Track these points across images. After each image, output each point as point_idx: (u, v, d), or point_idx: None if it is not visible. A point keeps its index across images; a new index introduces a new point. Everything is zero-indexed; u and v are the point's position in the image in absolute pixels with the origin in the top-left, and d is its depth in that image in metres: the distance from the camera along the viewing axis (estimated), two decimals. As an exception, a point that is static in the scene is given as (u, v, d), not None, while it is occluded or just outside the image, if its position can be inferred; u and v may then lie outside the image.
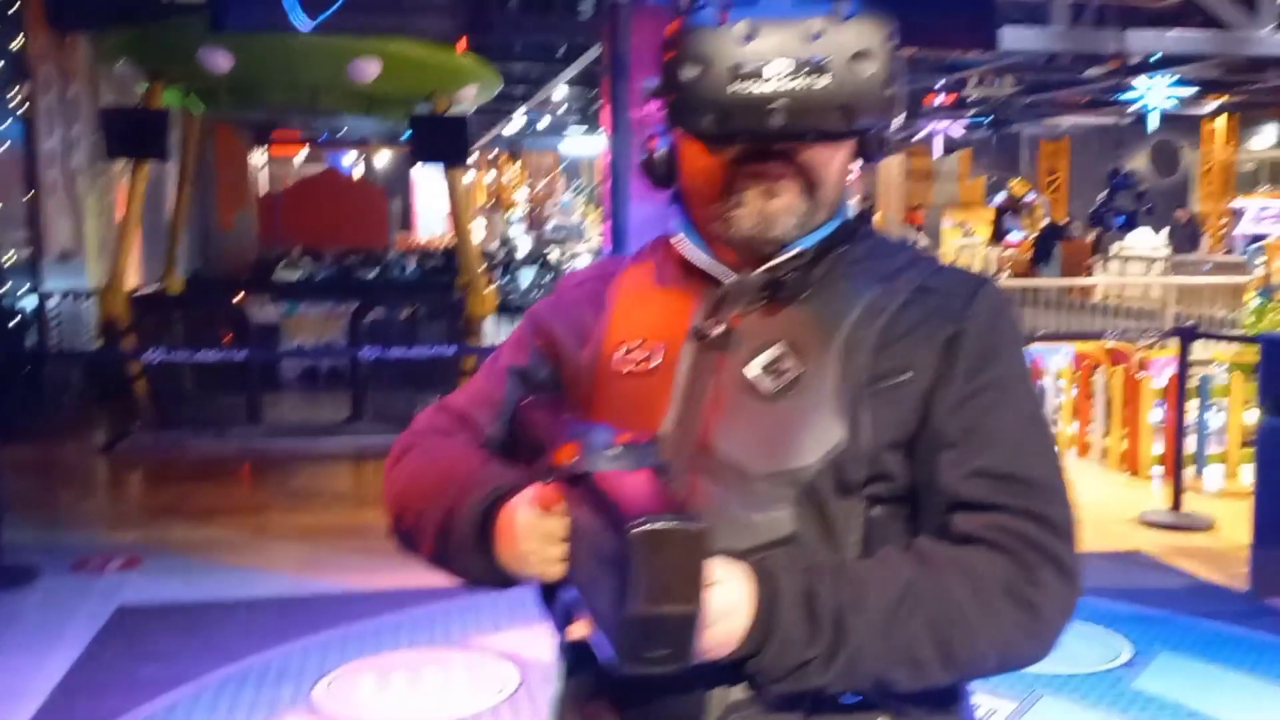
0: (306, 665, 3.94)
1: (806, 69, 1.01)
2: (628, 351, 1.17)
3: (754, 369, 1.11)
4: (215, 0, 5.55)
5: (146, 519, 6.03)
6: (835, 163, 1.12)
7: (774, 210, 1.10)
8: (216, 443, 7.62)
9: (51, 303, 8.40)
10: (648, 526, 0.86)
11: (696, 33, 1.02)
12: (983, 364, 1.10)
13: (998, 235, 20.28)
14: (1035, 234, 18.39)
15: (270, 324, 9.26)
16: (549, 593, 1.11)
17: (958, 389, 1.09)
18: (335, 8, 4.63)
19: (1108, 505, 6.15)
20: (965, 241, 20.75)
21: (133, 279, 9.19)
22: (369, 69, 7.68)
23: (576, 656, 1.15)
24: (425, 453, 1.23)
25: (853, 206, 1.20)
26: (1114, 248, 17.74)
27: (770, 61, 1.01)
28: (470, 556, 1.11)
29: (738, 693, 1.05)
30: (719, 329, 1.13)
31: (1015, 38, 8.11)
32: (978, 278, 1.18)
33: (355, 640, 4.16)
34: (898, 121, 1.10)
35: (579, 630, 0.96)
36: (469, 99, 8.93)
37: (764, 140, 1.06)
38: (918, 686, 1.05)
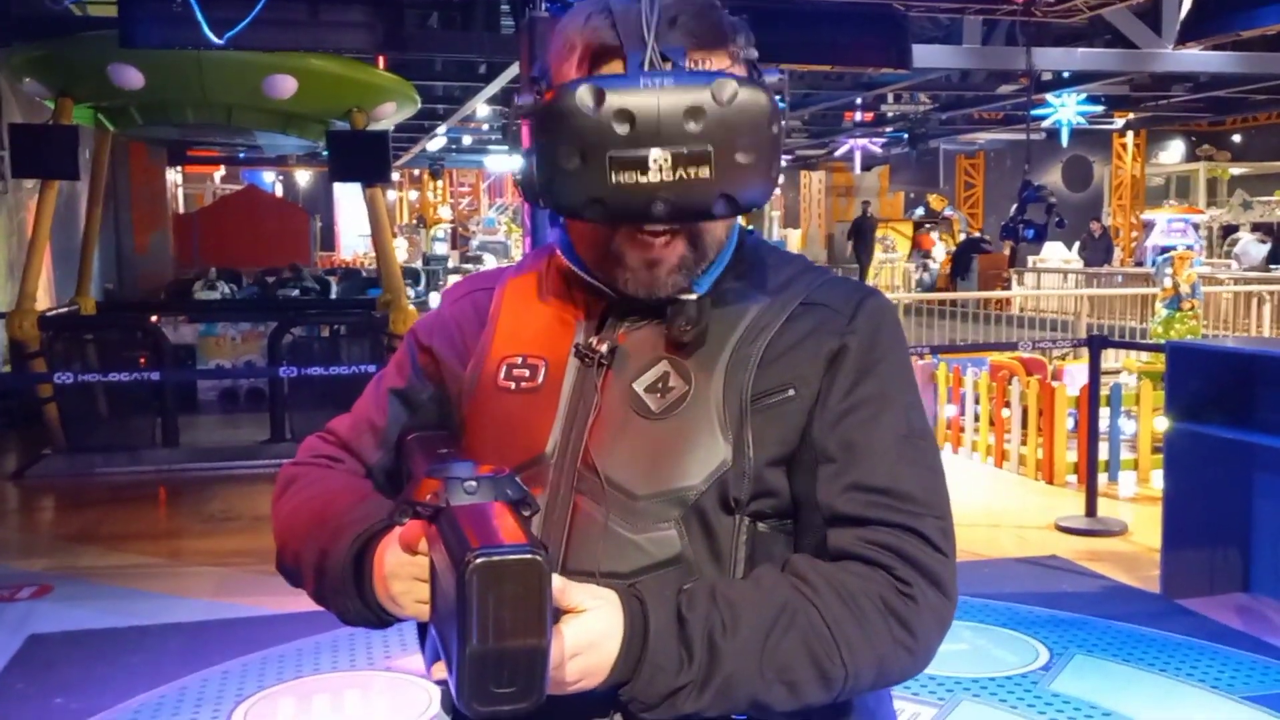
0: (225, 690, 3.87)
1: (688, 160, 0.97)
2: (512, 368, 1.15)
3: (638, 388, 1.10)
4: (125, 17, 5.46)
5: (58, 546, 5.86)
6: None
7: (659, 279, 1.09)
8: (131, 467, 7.44)
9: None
10: (481, 559, 0.85)
11: (574, 119, 0.97)
12: (862, 379, 1.10)
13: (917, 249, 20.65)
14: (953, 248, 18.80)
15: (187, 345, 9.09)
16: (424, 633, 1.08)
17: (837, 404, 1.09)
18: (245, 23, 4.57)
19: (1025, 512, 6.28)
20: (885, 256, 21.07)
21: (43, 301, 8.95)
22: (285, 86, 7.58)
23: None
24: (306, 486, 1.21)
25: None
26: (1029, 261, 18.17)
27: (651, 152, 0.97)
28: (347, 598, 1.08)
29: None
30: (603, 346, 1.12)
31: (927, 55, 8.27)
32: (862, 290, 1.17)
33: (274, 664, 4.09)
34: (777, 180, 1.06)
35: (439, 671, 0.94)
36: (387, 116, 8.86)
37: (649, 223, 1.04)
38: (796, 707, 1.04)
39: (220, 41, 4.67)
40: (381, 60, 8.93)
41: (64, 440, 7.76)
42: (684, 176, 0.98)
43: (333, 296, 12.60)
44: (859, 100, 14.72)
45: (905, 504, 1.08)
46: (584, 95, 0.97)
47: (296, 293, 12.55)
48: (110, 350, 8.05)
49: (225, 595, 4.86)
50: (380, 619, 1.08)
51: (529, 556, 0.86)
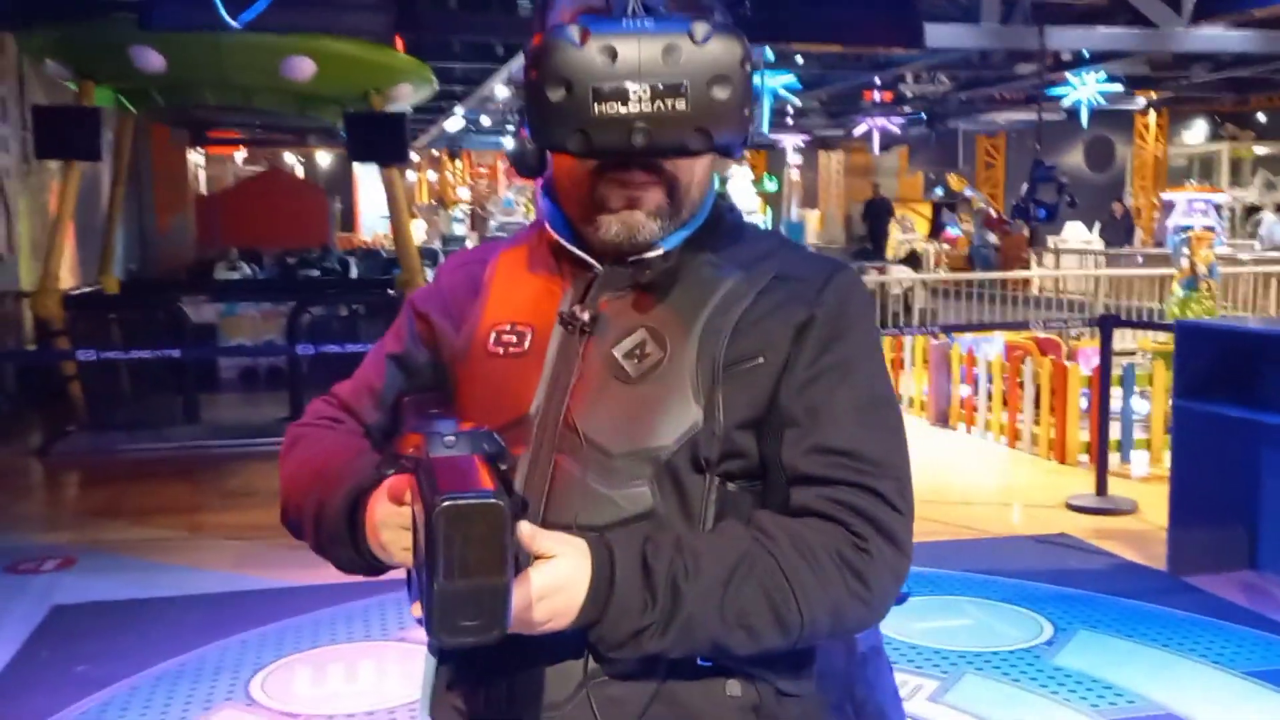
0: (243, 659, 3.96)
1: (665, 92, 1.04)
2: (501, 334, 1.22)
3: (617, 354, 1.16)
4: (144, -1, 5.54)
5: (82, 520, 5.98)
6: (696, 167, 1.18)
7: (638, 221, 1.15)
8: (153, 444, 7.56)
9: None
10: (447, 503, 0.92)
11: (560, 54, 1.04)
12: (828, 347, 1.16)
13: (935, 230, 20.58)
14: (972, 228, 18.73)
15: (209, 324, 9.20)
16: (411, 578, 1.15)
17: (803, 371, 1.15)
18: (263, 6, 4.63)
19: (1036, 491, 6.32)
20: (904, 237, 21.01)
21: (67, 280, 9.07)
22: (303, 67, 7.65)
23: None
24: (308, 446, 1.28)
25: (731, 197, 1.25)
26: (1049, 241, 18.09)
27: (631, 84, 1.04)
28: (343, 547, 1.16)
29: (591, 664, 1.11)
30: (586, 315, 1.18)
31: (944, 35, 8.25)
32: (833, 264, 1.24)
33: (291, 634, 4.18)
34: (754, 130, 1.14)
35: (417, 610, 1.00)
36: (404, 98, 8.92)
37: (626, 157, 1.11)
38: (755, 650, 1.10)
39: (236, 24, 4.73)
40: (400, 42, 8.99)
41: (88, 417, 7.90)
42: (661, 108, 1.04)
43: (352, 276, 12.69)
44: (877, 80, 14.70)
45: (864, 465, 1.14)
46: (571, 32, 1.04)
47: (317, 273, 12.66)
48: (133, 329, 8.17)
49: (244, 568, 4.97)
50: (372, 566, 1.15)
51: (491, 502, 0.93)
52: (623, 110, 1.04)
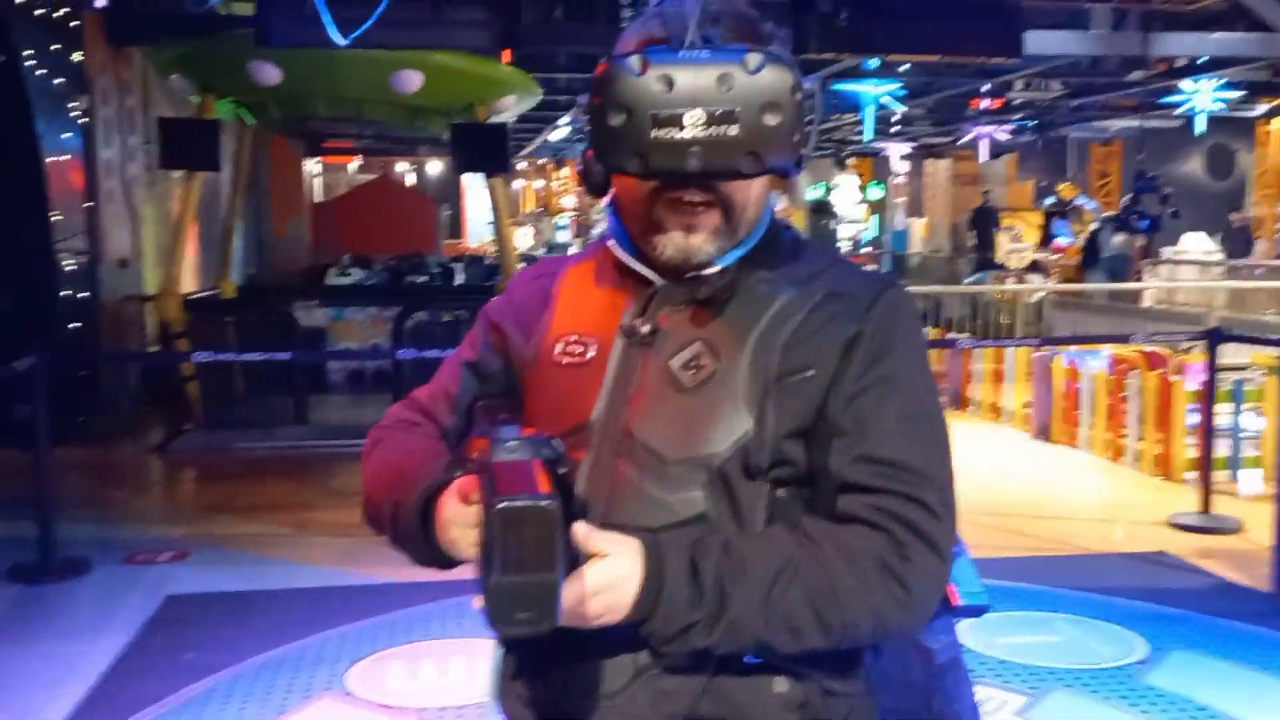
0: (341, 652, 4.12)
1: (718, 119, 1.11)
2: (566, 345, 1.30)
3: (674, 365, 1.23)
4: (261, 17, 5.78)
5: (196, 515, 6.25)
6: (752, 188, 1.24)
7: (694, 245, 1.22)
8: (264, 443, 7.85)
9: (108, 308, 8.69)
10: (503, 504, 1.00)
11: (621, 82, 1.12)
12: (875, 361, 1.21)
13: (1046, 239, 20.13)
14: (1084, 238, 18.26)
15: (318, 328, 9.50)
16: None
17: (851, 384, 1.21)
18: (368, 25, 4.80)
19: (1138, 508, 6.18)
20: (1013, 246, 20.60)
21: (188, 284, 9.47)
22: (411, 80, 7.88)
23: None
24: (387, 447, 1.37)
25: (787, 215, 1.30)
26: (1165, 252, 17.56)
27: (686, 111, 1.11)
28: (416, 543, 1.24)
29: (644, 658, 1.18)
30: (646, 327, 1.25)
31: (1045, 42, 8.12)
32: (884, 282, 1.28)
33: (387, 629, 4.32)
34: (808, 153, 1.19)
35: (479, 603, 1.08)
36: (509, 108, 9.12)
37: (682, 180, 1.18)
38: (798, 650, 1.15)
39: (344, 41, 4.92)
40: (506, 54, 9.19)
41: (204, 416, 8.24)
42: (715, 134, 1.12)
43: (457, 282, 12.97)
44: (985, 87, 14.47)
45: (908, 475, 1.18)
46: (632, 62, 1.13)
47: (423, 279, 12.97)
48: (248, 332, 8.49)
49: (346, 564, 5.14)
50: (443, 561, 1.23)
51: (544, 504, 1.00)
52: (678, 135, 1.11)
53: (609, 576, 1.10)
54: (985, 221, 19.60)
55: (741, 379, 1.20)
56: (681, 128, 1.11)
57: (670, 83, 1.11)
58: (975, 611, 1.54)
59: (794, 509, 1.21)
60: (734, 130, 1.11)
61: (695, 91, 1.11)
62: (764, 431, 1.19)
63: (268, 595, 4.75)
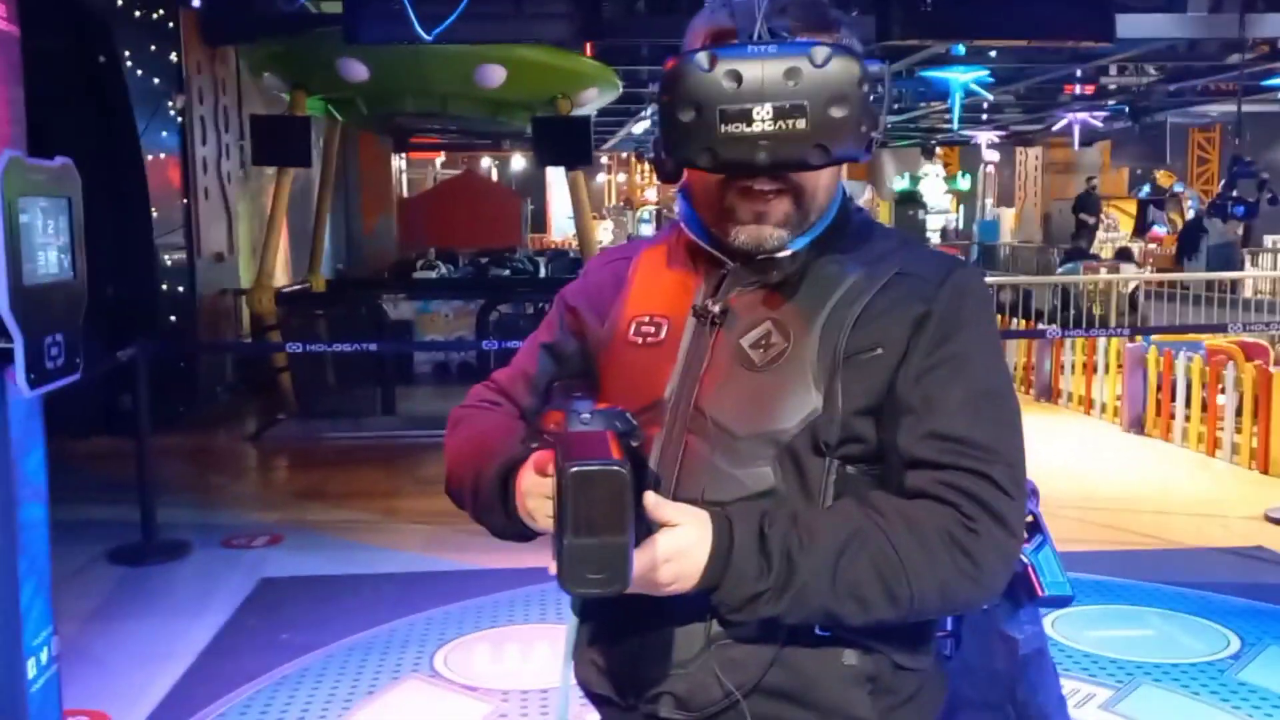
0: (428, 635, 4.21)
1: (786, 113, 1.12)
2: (640, 325, 1.33)
3: (745, 344, 1.25)
4: (349, 15, 5.91)
5: (289, 501, 6.42)
6: (822, 176, 1.25)
7: (765, 234, 1.24)
8: (354, 433, 8.03)
9: (205, 300, 8.96)
10: (575, 469, 1.03)
11: (691, 78, 1.14)
12: (943, 340, 1.22)
13: (1141, 228, 19.65)
14: (1181, 226, 17.78)
15: (405, 320, 9.68)
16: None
17: (919, 362, 1.22)
18: (451, 20, 4.88)
19: (1234, 502, 6.02)
20: (1106, 235, 20.15)
21: (280, 278, 9.72)
22: (494, 75, 7.98)
23: (584, 606, 1.33)
24: (469, 424, 1.42)
25: (857, 199, 1.31)
26: (1267, 240, 17.01)
27: (755, 106, 1.13)
28: (496, 515, 1.29)
29: (715, 627, 1.20)
30: (717, 308, 1.28)
31: (1145, 25, 7.90)
32: (952, 261, 1.29)
33: (473, 614, 4.41)
34: (877, 139, 1.20)
35: (552, 567, 1.11)
36: (591, 101, 9.17)
37: (752, 173, 1.20)
38: (866, 621, 1.17)
39: (429, 37, 5.00)
40: (589, 46, 9.25)
41: (296, 406, 8.45)
42: (783, 128, 1.13)
43: (540, 276, 13.09)
44: (1078, 73, 14.13)
45: (975, 451, 1.19)
46: (701, 58, 1.14)
47: (507, 272, 13.11)
48: (338, 324, 8.68)
49: (433, 550, 5.25)
50: (522, 533, 1.27)
51: (614, 468, 1.04)
52: (747, 130, 1.13)
53: (678, 545, 1.13)
54: (1089, 209, 19.19)
55: (810, 357, 1.22)
56: (750, 122, 1.13)
57: (739, 78, 1.13)
58: (1060, 602, 1.53)
59: (863, 485, 1.23)
60: (802, 124, 1.13)
61: (763, 86, 1.12)
62: (833, 409, 1.21)
63: (357, 579, 4.88)
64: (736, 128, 1.13)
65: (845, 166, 1.29)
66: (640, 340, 1.32)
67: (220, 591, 4.73)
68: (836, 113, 1.13)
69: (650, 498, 1.12)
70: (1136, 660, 3.87)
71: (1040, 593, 1.50)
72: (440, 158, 24.80)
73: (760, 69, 1.12)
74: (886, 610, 1.16)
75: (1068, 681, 3.54)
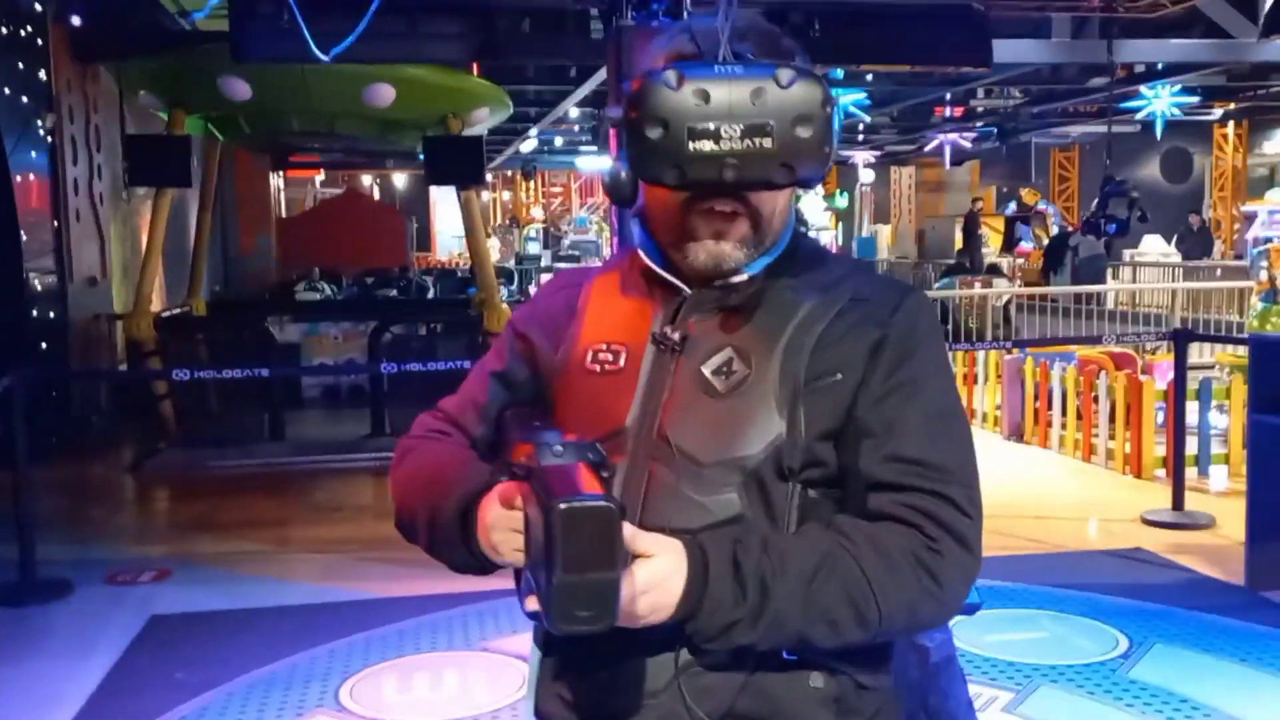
0: (332, 668, 4.11)
1: (753, 132, 1.15)
2: (597, 353, 1.33)
3: (706, 371, 1.27)
4: (236, 32, 5.77)
5: (176, 533, 6.22)
6: (778, 199, 1.28)
7: (724, 251, 1.26)
8: (241, 460, 7.81)
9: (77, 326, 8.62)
10: (564, 505, 1.03)
11: (659, 96, 1.15)
12: (899, 364, 1.26)
13: (1008, 244, 20.38)
14: (1047, 242, 18.50)
15: (292, 343, 9.47)
16: (519, 577, 1.24)
17: (877, 387, 1.25)
18: (350, 40, 4.82)
19: (1111, 506, 6.28)
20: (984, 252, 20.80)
21: (157, 302, 9.41)
22: (384, 94, 7.89)
23: (547, 639, 1.32)
24: (419, 455, 1.39)
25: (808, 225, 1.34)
26: (1126, 255, 17.81)
27: (723, 124, 1.14)
28: (455, 548, 1.27)
29: (685, 656, 1.21)
30: (677, 335, 1.29)
31: (1011, 51, 8.24)
32: (905, 288, 1.33)
33: (378, 644, 4.32)
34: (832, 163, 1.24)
35: (531, 604, 1.11)
36: (482, 121, 9.14)
37: (717, 191, 1.21)
38: (836, 644, 1.19)
39: (326, 57, 4.92)
40: (475, 66, 9.21)
41: (178, 434, 8.18)
42: (750, 146, 1.15)
43: (430, 296, 12.95)
44: (948, 95, 14.64)
45: (935, 473, 1.23)
46: (669, 76, 1.16)
47: (394, 292, 12.93)
48: (221, 349, 8.44)
49: (331, 580, 5.13)
50: (484, 566, 1.25)
51: (604, 504, 1.04)
52: (714, 148, 1.15)
53: (655, 576, 1.13)
54: (973, 228, 19.84)
55: (772, 383, 1.24)
56: (718, 140, 1.14)
57: (706, 97, 1.14)
58: (967, 610, 1.58)
59: (825, 509, 1.25)
60: (768, 143, 1.15)
61: (730, 106, 1.14)
62: (796, 434, 1.23)
63: (254, 613, 4.74)
64: (704, 145, 1.14)
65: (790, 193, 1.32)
66: (598, 368, 1.32)
67: (107, 631, 4.54)
68: (802, 133, 1.15)
69: (626, 529, 1.12)
70: (1034, 663, 4.01)
71: None
72: (320, 176, 24.35)
73: (728, 89, 1.14)
74: (855, 632, 1.19)
75: (970, 686, 3.64)
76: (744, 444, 1.23)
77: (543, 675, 1.34)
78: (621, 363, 1.31)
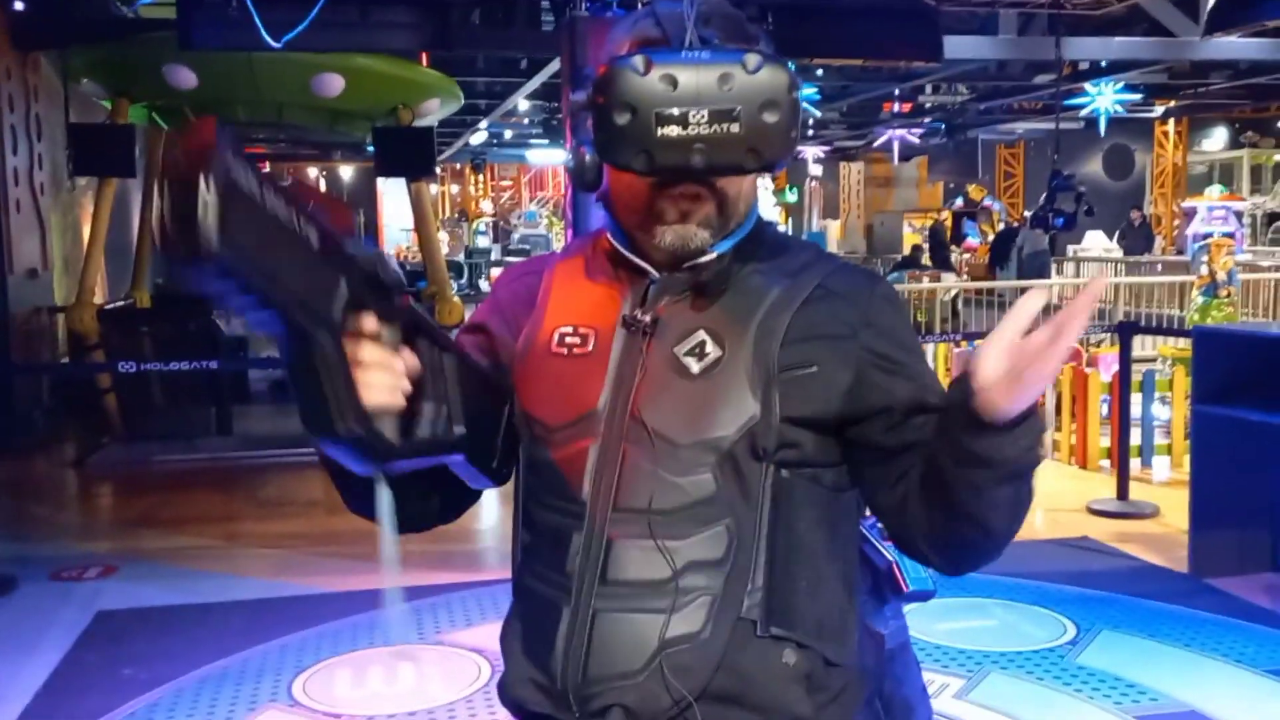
0: (284, 662, 4.07)
1: (721, 117, 1.16)
2: (564, 336, 1.33)
3: (679, 352, 1.27)
4: (183, 20, 5.68)
5: (121, 529, 6.11)
6: (744, 183, 1.29)
7: (690, 231, 1.26)
8: (187, 455, 7.70)
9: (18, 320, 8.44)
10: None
11: (626, 82, 1.16)
12: (892, 345, 1.29)
13: (955, 239, 20.61)
14: (992, 237, 18.75)
15: (239, 336, 9.34)
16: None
17: (883, 364, 1.27)
18: (302, 28, 4.76)
19: (1058, 496, 6.37)
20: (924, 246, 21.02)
21: (100, 295, 9.24)
22: (333, 84, 7.81)
23: (523, 619, 1.32)
24: None
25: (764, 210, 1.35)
26: (1069, 249, 18.10)
27: (691, 109, 1.15)
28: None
29: (666, 635, 1.21)
30: (647, 317, 1.29)
31: (960, 47, 8.34)
32: (873, 278, 1.35)
33: (330, 638, 4.29)
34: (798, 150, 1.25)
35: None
36: (432, 112, 9.07)
37: (685, 177, 1.22)
38: (1003, 530, 1.23)
39: (278, 45, 4.86)
40: (424, 57, 9.14)
41: (122, 429, 8.04)
42: (718, 131, 1.16)
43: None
44: (896, 91, 14.77)
45: None
46: (636, 62, 1.16)
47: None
48: (166, 342, 8.30)
49: (282, 575, 5.08)
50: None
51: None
52: (682, 133, 1.15)
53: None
54: (942, 237, 20.02)
55: (745, 365, 1.25)
56: (686, 125, 1.15)
57: (674, 82, 1.15)
58: (922, 597, 1.60)
59: (799, 489, 1.27)
60: (736, 128, 1.15)
61: (698, 90, 1.15)
62: (770, 415, 1.24)
63: (202, 609, 4.68)
64: (672, 130, 1.15)
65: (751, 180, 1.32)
66: (566, 351, 1.32)
67: (53, 628, 4.47)
68: (769, 118, 1.16)
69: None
70: (984, 650, 4.06)
71: (905, 588, 1.57)
72: (265, 168, 24.05)
73: (695, 74, 1.15)
74: (1012, 529, 1.23)
75: (923, 673, 3.69)
76: (719, 424, 1.24)
77: (514, 659, 1.33)
78: (590, 346, 1.31)
